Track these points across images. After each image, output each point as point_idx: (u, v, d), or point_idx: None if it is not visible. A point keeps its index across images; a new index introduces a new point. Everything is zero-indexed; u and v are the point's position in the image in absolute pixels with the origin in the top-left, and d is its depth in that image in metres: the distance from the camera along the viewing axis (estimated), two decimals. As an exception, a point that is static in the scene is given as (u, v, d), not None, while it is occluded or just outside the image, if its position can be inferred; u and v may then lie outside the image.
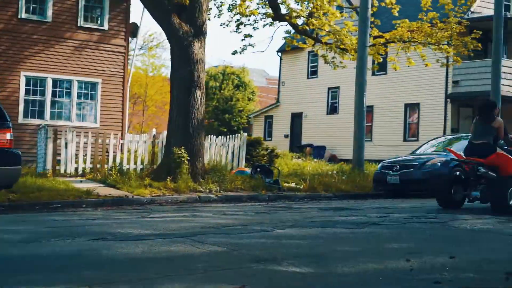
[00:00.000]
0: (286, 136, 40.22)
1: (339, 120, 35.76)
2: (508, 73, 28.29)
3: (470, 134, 22.75)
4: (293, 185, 17.78)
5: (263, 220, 9.81)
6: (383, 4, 22.27)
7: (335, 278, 5.50)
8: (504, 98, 26.21)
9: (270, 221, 9.67)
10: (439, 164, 17.05)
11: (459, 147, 18.36)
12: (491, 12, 24.87)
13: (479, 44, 23.10)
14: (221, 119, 50.03)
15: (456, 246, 7.37)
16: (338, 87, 36.53)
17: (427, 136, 27.57)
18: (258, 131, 41.86)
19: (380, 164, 18.95)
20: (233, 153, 19.94)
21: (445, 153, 18.02)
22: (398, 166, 17.73)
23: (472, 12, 30.17)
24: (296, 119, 39.80)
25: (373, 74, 31.99)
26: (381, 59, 23.21)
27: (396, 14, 22.19)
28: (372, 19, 21.85)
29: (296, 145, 38.29)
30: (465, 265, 6.13)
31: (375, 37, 22.63)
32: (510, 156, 11.66)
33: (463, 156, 12.29)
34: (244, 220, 9.92)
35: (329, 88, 37.51)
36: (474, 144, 11.94)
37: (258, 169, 17.99)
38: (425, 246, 7.30)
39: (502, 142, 12.03)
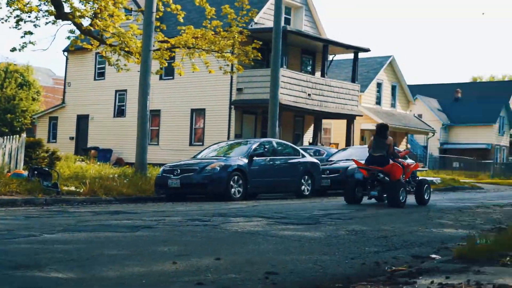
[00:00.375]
0: (71, 138, 39.15)
1: (126, 123, 35.44)
2: (287, 82, 29.82)
3: (251, 139, 23.91)
4: (73, 188, 17.32)
5: (33, 225, 9.45)
6: (168, 9, 22.47)
7: (98, 282, 5.45)
8: (282, 106, 27.65)
9: (40, 225, 9.34)
10: (218, 168, 17.58)
11: (238, 152, 19.12)
12: (273, 24, 26.05)
13: (259, 54, 24.14)
14: (2, 119, 47.64)
15: (224, 248, 7.60)
16: (125, 90, 36.23)
17: (213, 141, 28.22)
18: (42, 133, 40.29)
19: (162, 168, 19.07)
20: (10, 155, 18.96)
21: (224, 158, 18.61)
22: (179, 170, 17.94)
23: (256, 23, 31.47)
24: (83, 121, 38.87)
25: (160, 78, 32.22)
26: (166, 64, 23.44)
27: (182, 20, 22.52)
28: (158, 24, 21.92)
29: (81, 147, 37.38)
30: (229, 266, 6.36)
31: (160, 42, 22.77)
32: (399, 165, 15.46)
33: (365, 165, 15.59)
34: (12, 225, 9.47)
35: (116, 91, 37.08)
36: (373, 156, 15.50)
37: (36, 172, 17.31)
38: (194, 248, 7.47)
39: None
